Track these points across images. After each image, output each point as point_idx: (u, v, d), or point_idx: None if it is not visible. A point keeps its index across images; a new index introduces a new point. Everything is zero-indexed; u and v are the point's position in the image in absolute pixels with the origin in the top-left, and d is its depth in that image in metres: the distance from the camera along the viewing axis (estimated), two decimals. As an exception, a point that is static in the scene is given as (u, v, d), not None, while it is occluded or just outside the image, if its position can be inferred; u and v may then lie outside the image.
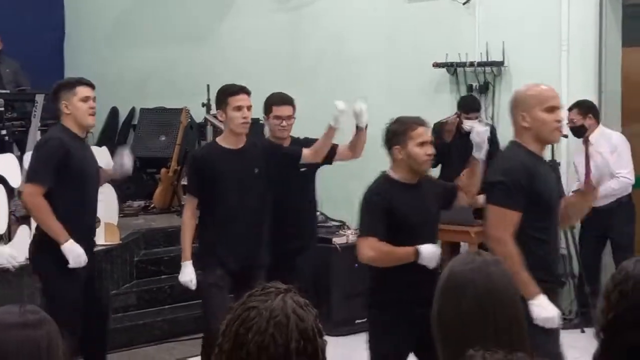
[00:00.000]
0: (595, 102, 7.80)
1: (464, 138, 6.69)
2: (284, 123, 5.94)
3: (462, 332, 2.37)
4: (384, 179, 4.63)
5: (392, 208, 4.49)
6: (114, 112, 11.04)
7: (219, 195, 5.47)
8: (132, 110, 10.92)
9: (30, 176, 5.41)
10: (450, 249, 7.31)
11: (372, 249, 4.49)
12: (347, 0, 9.43)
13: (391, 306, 4.50)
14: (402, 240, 4.47)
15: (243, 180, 5.50)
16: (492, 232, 4.18)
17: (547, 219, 4.21)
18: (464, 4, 8.54)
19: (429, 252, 4.44)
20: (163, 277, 7.64)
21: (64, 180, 5.32)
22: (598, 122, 7.55)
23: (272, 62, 9.74)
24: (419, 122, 4.63)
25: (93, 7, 11.79)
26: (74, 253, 5.29)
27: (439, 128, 7.66)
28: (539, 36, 8.14)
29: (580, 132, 7.43)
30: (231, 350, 2.06)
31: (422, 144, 4.54)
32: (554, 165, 4.78)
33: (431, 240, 4.58)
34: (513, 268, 3.80)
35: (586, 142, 7.33)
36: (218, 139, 5.73)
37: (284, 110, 5.96)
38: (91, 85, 5.59)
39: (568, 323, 7.36)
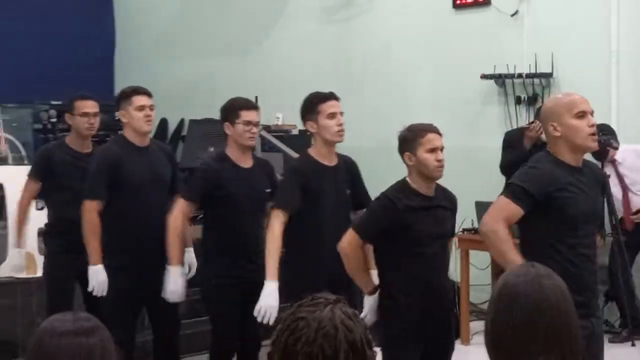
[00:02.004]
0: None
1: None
2: (255, 130, 5.42)
3: (514, 343, 2.37)
4: (402, 184, 4.64)
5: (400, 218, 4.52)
6: (163, 123, 11.14)
7: (319, 216, 5.14)
8: (181, 122, 11.02)
9: (85, 192, 5.54)
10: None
11: (347, 245, 4.62)
12: (394, 12, 9.43)
13: (405, 307, 4.53)
14: (406, 248, 4.51)
15: (338, 204, 5.21)
16: (487, 218, 4.19)
17: (574, 231, 4.11)
18: (511, 15, 8.51)
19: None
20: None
21: (115, 191, 5.46)
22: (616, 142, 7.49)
23: (319, 73, 9.76)
24: (429, 128, 4.61)
25: (143, 19, 11.93)
26: (98, 278, 5.44)
27: (514, 136, 7.60)
28: (588, 46, 8.07)
29: (601, 154, 7.30)
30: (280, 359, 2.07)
31: (432, 150, 4.52)
32: (601, 176, 4.63)
33: (439, 252, 4.61)
34: (502, 248, 4.07)
35: (613, 163, 7.33)
36: (311, 152, 5.27)
37: (254, 115, 5.41)
38: (147, 94, 5.67)
39: (617, 337, 7.28)
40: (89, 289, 5.48)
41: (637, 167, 7.40)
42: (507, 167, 7.58)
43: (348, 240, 4.64)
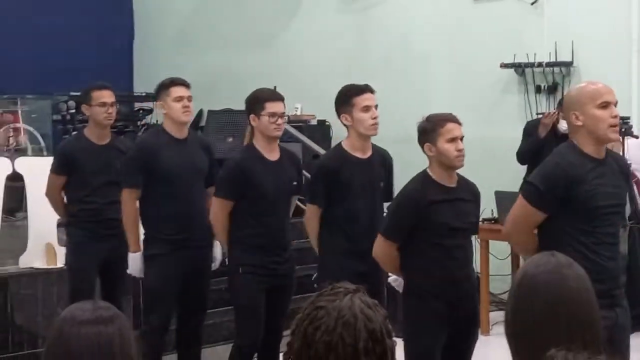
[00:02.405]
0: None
1: (559, 141, 6.39)
2: (280, 121, 5.35)
3: (535, 333, 2.37)
4: (423, 177, 4.62)
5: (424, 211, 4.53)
6: (181, 114, 11.14)
7: (352, 208, 5.15)
8: (200, 112, 11.02)
9: (121, 182, 5.66)
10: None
11: (381, 251, 4.68)
12: (412, 1, 9.40)
13: (428, 296, 4.54)
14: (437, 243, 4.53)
15: (371, 196, 5.21)
16: (508, 223, 4.26)
17: (595, 222, 4.07)
18: (532, 4, 8.46)
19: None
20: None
21: (152, 181, 5.54)
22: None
23: (337, 63, 9.75)
24: (449, 118, 4.59)
25: (161, 11, 11.94)
26: (136, 265, 5.61)
27: (532, 126, 7.58)
28: (609, 35, 8.02)
29: None
30: (300, 348, 2.06)
31: (452, 139, 4.50)
32: (625, 165, 4.57)
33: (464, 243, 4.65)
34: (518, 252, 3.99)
35: None
36: (344, 144, 5.26)
37: (280, 107, 5.35)
38: (185, 85, 5.71)
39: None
40: (128, 271, 5.64)
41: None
42: (522, 155, 7.57)
43: (381, 248, 4.66)
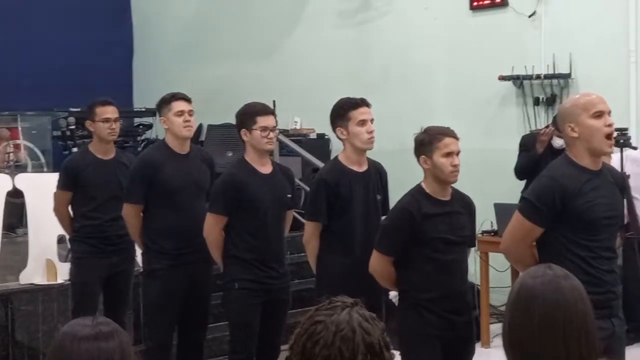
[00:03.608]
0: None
1: (554, 156, 6.37)
2: (271, 135, 5.33)
3: (532, 344, 2.38)
4: (417, 191, 4.62)
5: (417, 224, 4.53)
6: (181, 128, 11.15)
7: (350, 222, 5.14)
8: (200, 127, 11.05)
9: (124, 196, 5.71)
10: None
11: (377, 266, 4.66)
12: (411, 14, 9.43)
13: (424, 310, 4.54)
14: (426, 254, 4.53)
15: (368, 209, 5.19)
16: (506, 239, 4.28)
17: (592, 234, 4.08)
18: (529, 16, 8.48)
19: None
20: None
21: (153, 196, 5.57)
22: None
23: (337, 76, 9.77)
24: (446, 132, 4.58)
25: (160, 24, 11.98)
26: None
27: (528, 140, 7.58)
28: (607, 47, 8.04)
29: None
30: (299, 363, 2.08)
31: (448, 154, 4.50)
32: (620, 177, 4.57)
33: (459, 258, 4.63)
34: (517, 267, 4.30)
35: None
36: (340, 158, 5.24)
37: (271, 121, 5.34)
38: (186, 100, 5.73)
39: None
40: None
41: (634, 172, 7.33)
42: (520, 170, 7.58)
43: (377, 263, 4.65)
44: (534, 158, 7.36)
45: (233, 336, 5.45)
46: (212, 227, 5.33)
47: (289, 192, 5.50)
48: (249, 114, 5.34)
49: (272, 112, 5.41)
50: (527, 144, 7.67)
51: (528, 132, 8.35)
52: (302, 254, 6.03)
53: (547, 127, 7.65)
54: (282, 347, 5.40)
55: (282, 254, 5.50)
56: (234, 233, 5.37)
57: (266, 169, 5.40)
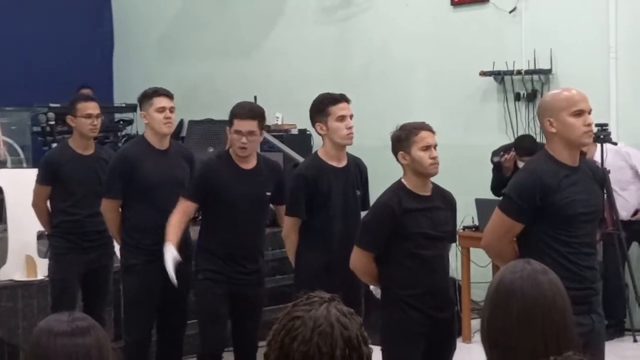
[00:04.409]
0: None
1: None
2: (244, 139, 5.23)
3: (511, 340, 2.39)
4: (397, 187, 4.62)
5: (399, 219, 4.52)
6: (162, 124, 11.12)
7: (329, 216, 5.14)
8: (180, 122, 11.01)
9: (103, 191, 5.72)
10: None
11: (359, 263, 4.66)
12: (392, 11, 9.43)
13: (406, 306, 4.54)
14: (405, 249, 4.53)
15: (347, 205, 5.20)
16: (487, 235, 4.27)
17: (571, 230, 4.08)
18: (510, 12, 8.50)
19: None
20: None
21: (131, 191, 5.58)
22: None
23: (318, 73, 9.76)
24: (422, 126, 4.60)
25: (141, 22, 11.93)
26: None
27: (497, 162, 7.64)
28: (587, 43, 8.07)
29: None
30: (277, 359, 2.07)
31: (426, 147, 4.51)
32: (600, 172, 4.58)
33: (439, 254, 4.63)
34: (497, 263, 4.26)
35: None
36: (320, 153, 5.24)
37: (247, 126, 5.23)
38: (168, 96, 5.71)
39: (619, 332, 7.29)
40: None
41: (618, 166, 7.37)
42: (494, 189, 7.62)
43: (359, 259, 4.65)
44: (504, 179, 7.37)
45: (200, 328, 5.45)
46: (178, 210, 5.35)
47: (270, 189, 5.44)
48: (231, 114, 5.32)
49: (251, 117, 5.28)
50: (499, 163, 7.70)
51: (509, 127, 8.39)
52: (284, 250, 6.04)
53: (506, 153, 7.65)
54: (261, 343, 5.39)
55: (257, 251, 5.46)
56: (208, 225, 5.38)
57: (248, 165, 5.38)
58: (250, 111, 5.32)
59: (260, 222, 5.50)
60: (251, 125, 5.24)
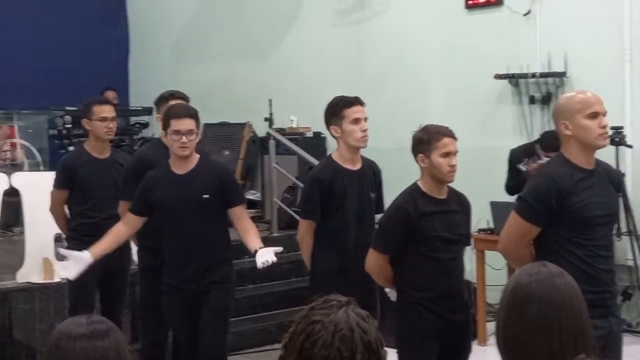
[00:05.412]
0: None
1: None
2: (184, 139, 5.08)
3: (527, 343, 2.38)
4: (413, 190, 4.62)
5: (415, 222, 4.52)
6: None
7: (344, 219, 5.13)
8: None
9: (120, 194, 5.82)
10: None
11: (374, 265, 4.64)
12: (406, 14, 9.43)
13: (421, 309, 4.53)
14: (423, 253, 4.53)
15: (362, 207, 5.17)
16: (503, 238, 4.26)
17: (588, 233, 4.08)
18: (524, 15, 8.49)
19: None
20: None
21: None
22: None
23: (333, 75, 9.77)
24: (445, 132, 4.55)
25: (157, 25, 11.97)
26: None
27: (516, 154, 7.52)
28: (601, 45, 8.05)
29: None
30: (296, 363, 2.08)
31: (446, 154, 4.49)
32: (616, 175, 4.56)
33: (455, 256, 4.63)
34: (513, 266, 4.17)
35: None
36: (334, 156, 5.23)
37: (181, 125, 5.07)
38: (184, 99, 5.76)
39: (636, 335, 7.26)
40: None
41: None
42: (511, 189, 7.54)
43: (374, 261, 4.64)
44: (522, 181, 7.31)
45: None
46: (122, 218, 5.43)
47: (208, 191, 5.16)
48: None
49: (187, 116, 5.14)
50: (515, 158, 7.63)
51: (524, 130, 8.37)
52: (298, 252, 6.04)
53: (532, 161, 7.57)
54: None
55: (200, 257, 5.18)
56: (163, 235, 5.29)
57: (183, 169, 5.20)
58: (186, 110, 5.22)
59: (207, 226, 5.19)
60: (189, 123, 5.10)
